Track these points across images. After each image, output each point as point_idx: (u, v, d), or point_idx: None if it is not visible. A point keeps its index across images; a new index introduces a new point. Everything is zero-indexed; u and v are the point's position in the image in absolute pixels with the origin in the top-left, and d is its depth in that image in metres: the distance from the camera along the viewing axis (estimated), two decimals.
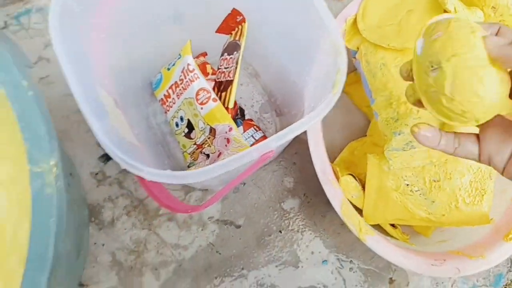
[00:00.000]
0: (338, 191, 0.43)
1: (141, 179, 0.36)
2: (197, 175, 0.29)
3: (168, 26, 0.52)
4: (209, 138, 0.49)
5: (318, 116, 0.31)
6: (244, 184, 0.54)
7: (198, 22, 0.52)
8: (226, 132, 0.47)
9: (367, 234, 0.41)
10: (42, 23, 0.60)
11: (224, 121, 0.48)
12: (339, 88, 0.31)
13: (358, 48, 0.48)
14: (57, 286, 0.38)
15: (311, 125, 0.31)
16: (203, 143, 0.49)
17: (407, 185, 0.44)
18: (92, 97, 0.34)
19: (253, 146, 0.30)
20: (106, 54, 0.44)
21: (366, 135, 0.55)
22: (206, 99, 0.49)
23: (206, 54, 0.56)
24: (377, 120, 0.44)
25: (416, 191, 0.44)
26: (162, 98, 0.54)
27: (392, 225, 0.49)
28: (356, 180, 0.47)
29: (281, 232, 0.53)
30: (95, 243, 0.51)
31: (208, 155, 0.49)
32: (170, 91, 0.53)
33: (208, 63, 0.55)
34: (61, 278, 0.40)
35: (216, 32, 0.53)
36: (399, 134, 0.42)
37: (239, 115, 0.54)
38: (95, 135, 0.31)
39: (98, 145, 0.55)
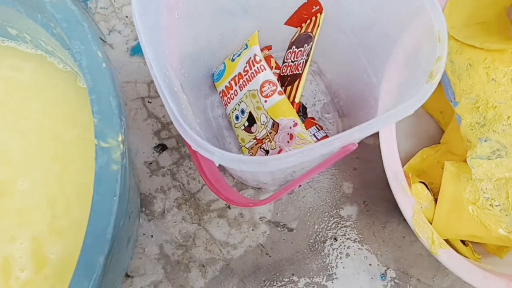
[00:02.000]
0: (411, 198, 0.39)
1: (201, 169, 0.34)
2: (274, 161, 0.27)
3: (234, 16, 0.51)
4: (270, 133, 0.46)
5: (412, 108, 0.29)
6: (300, 185, 0.52)
7: (266, 13, 0.51)
8: (290, 128, 0.45)
9: (440, 248, 0.37)
10: (108, 8, 0.60)
11: (290, 116, 0.45)
12: (438, 77, 0.28)
13: None
14: (108, 272, 0.37)
15: (400, 118, 0.28)
16: (263, 138, 0.47)
17: (487, 198, 0.40)
18: (166, 78, 0.32)
19: (336, 135, 0.28)
20: (176, 36, 0.43)
21: (438, 143, 0.51)
22: (272, 92, 0.47)
23: (271, 48, 0.55)
24: (459, 125, 0.40)
25: (497, 206, 0.40)
26: (223, 90, 0.53)
27: (463, 242, 0.44)
28: (428, 189, 0.43)
29: (336, 240, 0.49)
30: (144, 234, 0.49)
31: (267, 151, 0.47)
32: (232, 82, 0.52)
33: (272, 57, 0.53)
34: (111, 264, 0.39)
35: (286, 23, 0.51)
36: (485, 141, 0.38)
37: (301, 113, 0.51)
38: (170, 113, 0.29)
39: (154, 134, 0.54)
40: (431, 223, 0.43)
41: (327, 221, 0.50)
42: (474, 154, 0.38)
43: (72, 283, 0.25)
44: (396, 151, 0.41)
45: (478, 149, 0.38)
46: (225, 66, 0.53)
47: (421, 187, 0.43)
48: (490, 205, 0.40)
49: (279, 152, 0.46)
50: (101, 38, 0.36)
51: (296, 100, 0.46)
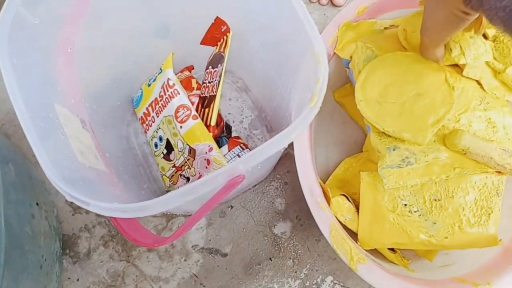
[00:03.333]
0: (328, 214, 0.38)
1: None
2: (153, 206, 0.25)
3: (152, 39, 0.49)
4: (188, 159, 0.45)
5: (294, 133, 0.27)
6: (232, 207, 0.50)
7: (183, 34, 0.49)
8: (206, 153, 0.43)
9: (359, 263, 0.36)
10: None
11: (205, 141, 0.44)
12: (317, 100, 0.27)
13: (351, 57, 0.44)
14: None
15: (285, 144, 0.27)
16: (182, 165, 0.45)
17: (405, 205, 0.40)
18: (41, 118, 0.30)
19: (218, 170, 0.26)
20: (74, 69, 0.40)
21: (362, 151, 0.50)
22: (186, 117, 0.45)
23: (193, 68, 0.53)
24: (369, 135, 0.39)
25: (415, 211, 0.40)
26: (142, 117, 0.51)
27: (392, 250, 0.44)
28: (350, 201, 0.43)
29: (271, 260, 0.48)
30: (69, 278, 0.47)
31: (188, 178, 0.45)
32: (150, 108, 0.50)
33: (193, 77, 0.52)
34: None
35: (201, 43, 0.50)
36: (393, 150, 0.38)
37: (225, 133, 0.50)
38: (39, 162, 0.27)
39: None
40: (357, 234, 0.42)
41: (262, 241, 0.49)
42: (384, 164, 0.38)
43: None
44: (311, 166, 0.40)
45: (388, 159, 0.37)
46: (142, 92, 0.51)
47: (342, 199, 0.42)
48: (409, 211, 0.40)
49: (199, 178, 0.44)
50: None
51: (212, 123, 0.45)
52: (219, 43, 0.49)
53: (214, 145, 0.43)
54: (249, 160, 0.27)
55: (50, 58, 0.37)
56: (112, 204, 0.26)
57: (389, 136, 0.38)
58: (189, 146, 0.44)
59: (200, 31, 0.49)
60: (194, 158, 0.44)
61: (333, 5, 0.63)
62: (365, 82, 0.39)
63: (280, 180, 0.52)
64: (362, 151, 0.49)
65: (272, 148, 0.27)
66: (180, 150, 0.46)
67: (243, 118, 0.56)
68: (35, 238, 0.40)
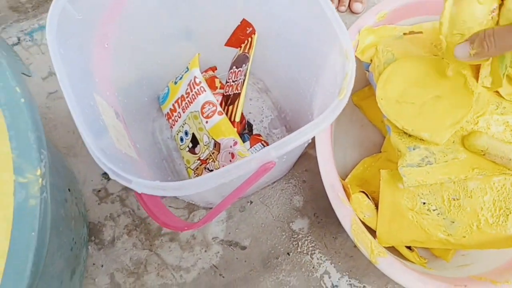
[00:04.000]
0: (349, 209, 0.39)
1: (137, 192, 0.34)
2: (189, 186, 0.27)
3: (178, 41, 0.52)
4: (213, 153, 0.46)
5: (323, 124, 0.29)
6: (251, 202, 0.52)
7: (208, 37, 0.52)
8: (230, 147, 0.45)
9: (380, 256, 0.38)
10: None
11: (229, 135, 0.46)
12: (346, 93, 0.29)
13: (371, 60, 0.46)
14: None
15: (315, 133, 0.28)
16: (207, 158, 0.47)
17: (424, 203, 0.41)
18: (87, 105, 0.32)
19: (252, 155, 0.28)
20: (109, 64, 0.43)
21: (380, 152, 0.52)
22: (212, 113, 0.47)
23: (216, 69, 0.55)
24: (389, 135, 0.41)
25: (434, 210, 0.41)
26: (168, 113, 0.53)
27: (409, 248, 0.45)
28: (369, 198, 0.44)
29: (289, 255, 0.49)
30: (93, 264, 0.48)
31: (212, 171, 0.47)
32: (176, 105, 0.52)
33: (217, 77, 0.54)
34: None
35: (226, 45, 0.52)
36: (413, 149, 0.39)
37: (246, 130, 0.52)
38: (84, 141, 0.29)
39: None
40: (375, 232, 0.43)
41: (280, 236, 0.50)
42: (405, 162, 0.39)
43: None
44: (333, 163, 0.41)
45: (408, 158, 0.39)
46: (168, 89, 0.53)
47: (361, 196, 0.43)
48: (427, 210, 0.41)
49: None
50: (24, 73, 0.36)
51: (237, 119, 0.47)
52: (243, 45, 0.51)
53: (238, 139, 0.45)
54: (281, 146, 0.28)
55: (89, 52, 0.40)
56: (154, 182, 0.27)
57: (409, 136, 0.40)
58: (214, 140, 0.46)
59: (222, 33, 0.51)
60: (219, 152, 0.46)
61: (352, 12, 0.65)
62: (386, 82, 0.41)
63: (298, 179, 0.54)
64: (380, 152, 0.51)
65: (302, 136, 0.28)
66: (205, 144, 0.47)
67: (263, 118, 0.57)
68: (67, 221, 0.42)
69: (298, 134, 0.28)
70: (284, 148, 0.28)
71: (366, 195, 0.44)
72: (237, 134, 0.46)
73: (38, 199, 0.29)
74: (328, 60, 0.36)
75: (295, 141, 0.28)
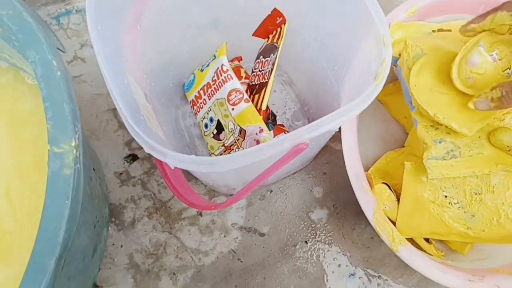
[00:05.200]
0: (372, 198, 0.40)
1: (164, 172, 0.35)
2: (223, 162, 0.27)
3: (205, 30, 0.52)
4: (238, 139, 0.47)
5: (357, 108, 0.29)
6: (271, 191, 0.52)
7: (235, 27, 0.52)
8: (256, 134, 0.46)
9: (400, 244, 0.38)
10: (81, 24, 0.61)
11: (256, 122, 0.46)
12: (382, 78, 0.29)
13: (399, 54, 0.46)
14: (70, 280, 0.37)
15: (348, 117, 0.29)
16: (231, 145, 0.48)
17: (446, 196, 0.41)
18: (121, 82, 0.33)
19: (284, 135, 0.28)
20: (140, 47, 0.44)
21: (402, 147, 0.52)
22: (238, 100, 0.48)
23: (241, 59, 0.56)
24: (416, 128, 0.41)
25: (455, 203, 0.41)
26: (193, 100, 0.53)
27: (426, 240, 0.45)
28: (391, 190, 0.44)
29: (307, 243, 0.50)
30: (113, 244, 0.49)
31: None
32: (201, 92, 0.53)
33: (242, 67, 0.55)
34: (74, 272, 0.39)
35: (254, 35, 0.53)
36: (439, 142, 0.39)
37: (270, 120, 0.52)
38: (121, 116, 0.29)
39: (125, 144, 0.54)
40: (394, 223, 0.43)
41: (298, 225, 0.51)
42: (430, 155, 0.39)
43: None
44: (357, 153, 0.42)
45: (433, 150, 0.39)
46: (194, 77, 0.54)
47: (383, 187, 0.44)
48: (449, 203, 0.41)
49: None
50: (58, 48, 0.36)
51: (263, 108, 0.47)
52: (271, 35, 0.52)
53: (264, 127, 0.46)
54: (314, 128, 0.29)
55: (122, 32, 0.41)
56: (189, 156, 0.28)
57: (436, 129, 0.40)
58: (240, 127, 0.47)
59: (249, 24, 0.51)
60: (244, 139, 0.46)
61: None
62: (420, 72, 0.41)
63: (318, 170, 0.54)
64: (403, 147, 0.51)
65: (336, 119, 0.29)
66: (230, 131, 0.48)
67: (286, 110, 0.58)
68: (92, 199, 0.43)
69: (332, 116, 0.29)
70: (318, 130, 0.29)
71: (388, 186, 0.44)
72: (263, 122, 0.46)
73: (72, 169, 0.29)
74: (361, 49, 0.36)
75: (328, 124, 0.29)
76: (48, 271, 0.26)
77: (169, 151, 0.28)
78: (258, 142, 0.46)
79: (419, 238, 0.44)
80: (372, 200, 0.40)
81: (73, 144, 0.30)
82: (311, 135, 0.29)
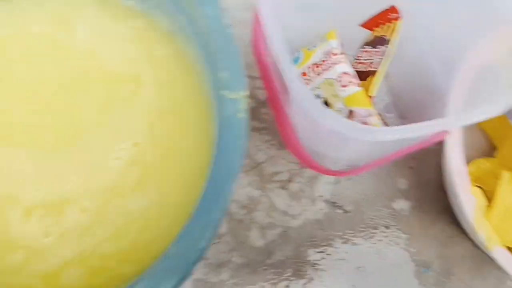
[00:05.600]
0: (472, 196, 0.42)
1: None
2: (385, 133, 0.31)
3: (318, 12, 0.55)
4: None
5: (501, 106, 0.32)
6: (359, 175, 0.56)
7: (342, 13, 0.55)
8: (364, 117, 0.49)
9: (496, 244, 0.41)
10: None
11: (365, 106, 0.49)
12: None
13: None
14: None
15: (498, 113, 0.31)
16: None
17: None
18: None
19: (435, 120, 0.32)
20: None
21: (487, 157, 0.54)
22: (349, 83, 0.51)
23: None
24: None
25: None
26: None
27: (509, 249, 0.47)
28: (483, 194, 0.47)
29: (388, 228, 0.53)
30: None
31: None
32: (309, 69, 0.56)
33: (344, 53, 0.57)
34: None
35: (362, 25, 0.55)
36: None
37: None
38: (287, 75, 0.33)
39: None
40: None
41: (381, 210, 0.54)
42: None
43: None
44: (461, 148, 0.44)
45: None
46: (302, 54, 0.57)
47: (479, 191, 0.46)
48: None
49: None
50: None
51: (373, 94, 0.50)
52: (376, 28, 0.55)
53: (374, 112, 0.49)
54: (464, 118, 0.32)
55: None
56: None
57: None
58: (349, 109, 0.50)
59: (353, 14, 0.54)
60: (352, 120, 0.50)
61: None
62: None
63: (405, 164, 0.57)
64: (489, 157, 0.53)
65: (489, 112, 0.31)
66: (338, 110, 0.51)
67: (378, 101, 0.61)
68: None
69: (481, 112, 0.32)
70: (465, 121, 0.32)
71: (483, 190, 0.47)
72: (373, 107, 0.49)
73: (245, 114, 0.34)
74: (486, 52, 0.39)
75: (478, 116, 0.32)
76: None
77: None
78: (366, 123, 0.49)
79: (504, 246, 0.47)
80: (473, 198, 0.42)
81: (244, 94, 0.34)
82: (457, 124, 0.32)
